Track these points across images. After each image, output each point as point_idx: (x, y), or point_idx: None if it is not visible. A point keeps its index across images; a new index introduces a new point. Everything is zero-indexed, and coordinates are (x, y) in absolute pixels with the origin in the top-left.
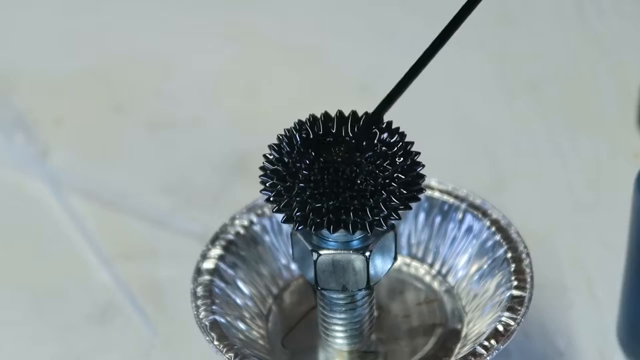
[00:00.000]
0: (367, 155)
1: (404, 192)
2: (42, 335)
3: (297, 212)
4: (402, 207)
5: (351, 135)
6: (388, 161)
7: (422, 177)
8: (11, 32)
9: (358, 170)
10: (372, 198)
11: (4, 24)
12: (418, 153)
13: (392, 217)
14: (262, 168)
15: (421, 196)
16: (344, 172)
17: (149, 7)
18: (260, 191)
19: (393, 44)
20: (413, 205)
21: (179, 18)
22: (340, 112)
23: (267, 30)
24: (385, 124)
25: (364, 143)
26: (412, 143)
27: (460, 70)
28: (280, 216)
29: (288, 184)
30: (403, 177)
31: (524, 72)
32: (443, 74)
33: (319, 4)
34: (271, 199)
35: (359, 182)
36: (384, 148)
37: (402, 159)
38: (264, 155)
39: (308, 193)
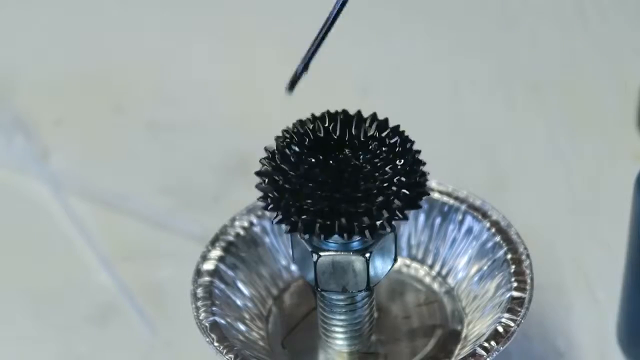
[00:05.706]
0: (367, 156)
1: (407, 192)
2: (41, 336)
3: (297, 216)
4: (401, 216)
5: (352, 135)
6: (389, 163)
7: (425, 178)
8: (11, 32)
9: (360, 173)
10: (373, 200)
11: (4, 24)
12: (419, 151)
13: (395, 218)
14: (259, 173)
15: (421, 202)
16: (347, 174)
17: (149, 8)
18: (258, 199)
19: (393, 45)
20: (413, 212)
21: (179, 19)
22: (338, 112)
23: (267, 30)
24: (389, 125)
25: (365, 144)
26: (415, 147)
27: (461, 70)
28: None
29: (287, 187)
30: (404, 179)
31: (524, 73)
32: (443, 75)
33: (319, 4)
34: (269, 206)
35: (362, 184)
36: (384, 148)
37: (403, 160)
38: (261, 161)
39: (308, 196)
